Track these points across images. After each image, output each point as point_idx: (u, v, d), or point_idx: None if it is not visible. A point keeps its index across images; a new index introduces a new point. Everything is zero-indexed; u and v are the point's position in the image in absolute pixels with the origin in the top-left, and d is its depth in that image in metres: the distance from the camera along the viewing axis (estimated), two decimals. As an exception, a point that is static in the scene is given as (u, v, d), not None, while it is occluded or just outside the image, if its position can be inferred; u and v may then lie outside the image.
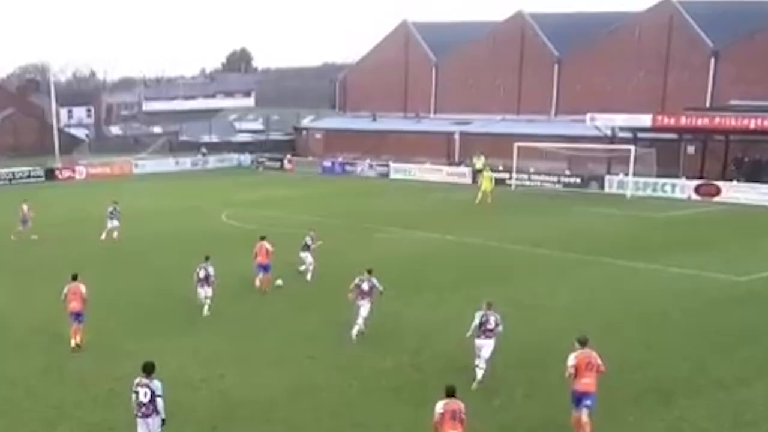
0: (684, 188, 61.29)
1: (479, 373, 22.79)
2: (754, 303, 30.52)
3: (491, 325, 22.82)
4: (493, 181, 59.88)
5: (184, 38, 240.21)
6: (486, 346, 22.87)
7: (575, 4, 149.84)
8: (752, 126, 60.16)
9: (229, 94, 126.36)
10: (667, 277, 35.02)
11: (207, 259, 30.78)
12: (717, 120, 62.44)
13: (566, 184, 66.55)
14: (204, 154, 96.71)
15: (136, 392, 17.55)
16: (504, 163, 70.81)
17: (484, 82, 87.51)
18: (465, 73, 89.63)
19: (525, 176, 68.43)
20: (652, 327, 27.55)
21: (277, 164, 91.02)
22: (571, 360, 19.86)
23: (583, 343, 20.20)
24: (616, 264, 37.33)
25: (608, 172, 67.13)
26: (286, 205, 56.79)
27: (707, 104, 70.94)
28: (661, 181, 62.99)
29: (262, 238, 33.49)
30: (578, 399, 19.76)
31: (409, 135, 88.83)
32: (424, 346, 25.36)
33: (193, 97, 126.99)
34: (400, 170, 79.85)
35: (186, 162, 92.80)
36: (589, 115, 68.20)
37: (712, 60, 73.25)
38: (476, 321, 23.03)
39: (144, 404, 17.46)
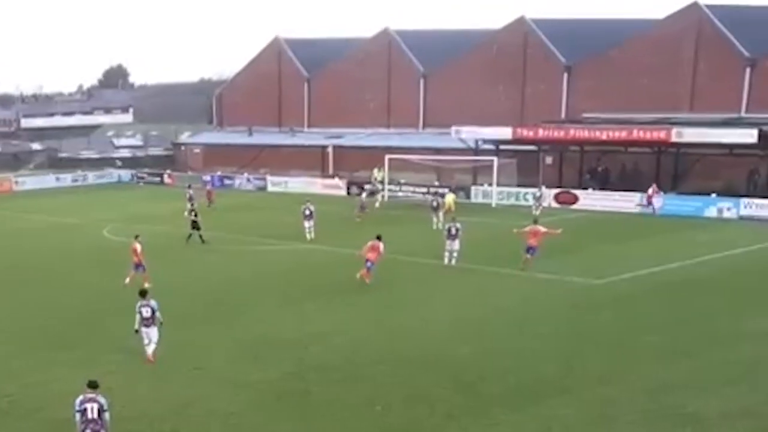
0: (544, 197, 62.45)
1: (446, 260, 38.79)
2: (611, 305, 31.52)
3: (453, 231, 38.77)
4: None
5: (61, 55, 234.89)
6: (452, 244, 38.65)
7: (437, 22, 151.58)
8: (604, 137, 62.12)
9: (107, 110, 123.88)
10: (533, 282, 35.87)
11: (308, 201, 48.55)
12: (572, 132, 64.38)
13: (435, 195, 67.31)
14: (120, 166, 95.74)
15: (140, 312, 24.56)
16: (371, 175, 71.67)
17: (354, 97, 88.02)
18: (336, 88, 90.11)
19: (396, 188, 69.01)
20: (521, 331, 28.20)
21: (157, 179, 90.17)
22: (525, 229, 38.30)
23: (536, 221, 39.75)
24: (485, 271, 38.25)
25: (474, 183, 68.47)
26: (167, 220, 56.30)
27: (562, 117, 73.03)
28: (523, 190, 64.26)
29: (136, 237, 36.47)
30: (527, 249, 37.67)
31: (285, 149, 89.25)
32: (307, 356, 25.53)
33: (71, 114, 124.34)
34: (276, 183, 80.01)
35: (66, 178, 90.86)
36: (454, 128, 69.41)
37: (566, 75, 75.37)
38: (444, 232, 39.89)
39: (147, 318, 24.51)
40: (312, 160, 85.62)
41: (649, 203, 57.40)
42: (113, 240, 50.06)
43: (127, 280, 34.90)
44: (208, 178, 79.13)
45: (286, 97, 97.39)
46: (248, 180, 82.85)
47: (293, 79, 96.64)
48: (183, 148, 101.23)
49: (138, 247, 35.53)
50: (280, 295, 33.93)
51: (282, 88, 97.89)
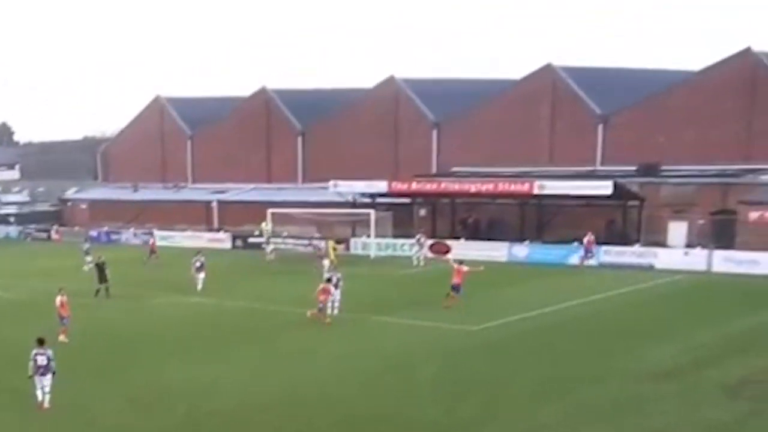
0: (424, 243, 61.73)
1: (329, 309, 38.06)
2: (487, 350, 32.23)
3: (334, 281, 39.12)
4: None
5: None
6: (333, 293, 38.46)
7: (312, 81, 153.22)
8: (473, 190, 63.58)
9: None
10: (412, 329, 36.39)
11: (199, 253, 50.37)
12: (443, 185, 65.84)
13: (316, 247, 66.47)
14: (12, 222, 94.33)
15: (35, 359, 24.68)
16: (259, 228, 71.95)
17: (235, 153, 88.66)
18: (218, 145, 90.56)
19: (279, 240, 68.86)
20: (403, 376, 28.57)
21: (45, 235, 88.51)
22: (455, 268, 41.34)
23: (461, 263, 41.88)
24: (366, 319, 38.65)
25: (353, 235, 69.21)
26: (55, 275, 54.89)
27: (434, 171, 74.72)
28: (400, 241, 65.07)
29: (60, 290, 35.66)
30: (453, 287, 40.66)
31: (170, 204, 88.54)
32: (198, 405, 25.46)
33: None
34: (163, 238, 78.84)
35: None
36: (332, 183, 70.01)
37: (435, 131, 77.28)
38: (325, 279, 39.70)
39: (42, 366, 24.61)
40: (197, 215, 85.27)
41: (588, 252, 57.07)
42: (1, 297, 48.95)
43: (62, 336, 33.90)
44: (149, 234, 75.66)
45: (170, 154, 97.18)
46: (135, 235, 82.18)
47: (176, 137, 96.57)
48: (69, 204, 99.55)
49: (59, 300, 35.01)
50: (172, 347, 33.84)
51: (165, 145, 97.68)
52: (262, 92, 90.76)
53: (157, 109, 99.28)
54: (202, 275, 48.62)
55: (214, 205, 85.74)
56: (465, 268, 41.44)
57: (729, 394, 25.63)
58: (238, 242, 74.94)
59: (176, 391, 27.07)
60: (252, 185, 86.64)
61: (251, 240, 72.96)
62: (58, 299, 35.12)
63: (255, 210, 74.43)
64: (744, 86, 61.63)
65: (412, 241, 61.46)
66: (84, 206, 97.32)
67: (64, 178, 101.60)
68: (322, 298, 37.60)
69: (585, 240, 56.89)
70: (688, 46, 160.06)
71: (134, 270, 58.13)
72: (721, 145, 60.84)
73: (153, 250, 64.11)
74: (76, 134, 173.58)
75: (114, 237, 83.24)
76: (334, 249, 57.60)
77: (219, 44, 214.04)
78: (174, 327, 38.80)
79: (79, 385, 27.64)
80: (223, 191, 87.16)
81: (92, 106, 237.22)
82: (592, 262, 56.60)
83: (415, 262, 58.68)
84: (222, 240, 76.32)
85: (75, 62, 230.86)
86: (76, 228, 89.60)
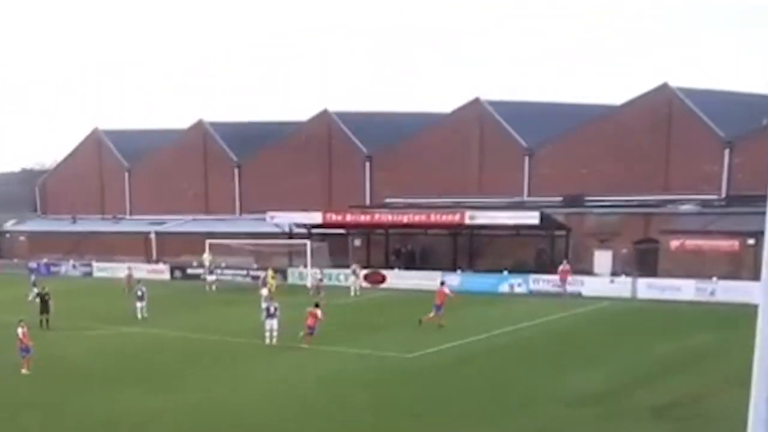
0: (359, 273, 61.79)
1: (267, 339, 38.85)
2: (422, 376, 32.33)
3: (272, 310, 39.44)
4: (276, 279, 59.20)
5: None
6: (271, 323, 39.02)
7: (246, 114, 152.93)
8: (405, 221, 64.12)
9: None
10: (349, 357, 36.38)
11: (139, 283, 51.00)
12: (377, 216, 66.17)
13: (254, 277, 65.73)
14: None
15: None
16: (198, 259, 71.72)
17: (174, 185, 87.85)
18: (156, 177, 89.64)
19: (219, 271, 68.15)
20: (339, 403, 28.47)
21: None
22: (437, 289, 43.94)
23: (443, 283, 44.90)
24: (306, 348, 38.14)
25: (290, 265, 69.06)
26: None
27: (367, 202, 75.12)
28: (336, 271, 65.10)
29: (20, 321, 34.85)
30: (435, 307, 42.24)
31: (109, 235, 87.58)
32: None
33: None
34: (102, 269, 78.27)
35: None
36: (268, 214, 70.05)
37: (367, 164, 77.67)
38: (263, 311, 40.09)
39: None
40: (136, 246, 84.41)
41: (564, 281, 56.71)
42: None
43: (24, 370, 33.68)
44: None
45: (108, 186, 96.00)
46: (74, 267, 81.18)
47: (113, 169, 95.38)
48: (8, 236, 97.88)
49: (20, 331, 34.28)
50: (110, 379, 33.08)
51: (103, 177, 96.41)
52: (199, 125, 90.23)
53: (95, 141, 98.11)
54: (143, 304, 48.96)
55: (153, 236, 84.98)
56: (446, 291, 43.97)
57: (657, 416, 26.03)
58: (177, 273, 74.32)
59: (119, 422, 26.53)
60: (190, 216, 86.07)
61: (190, 271, 72.55)
62: (20, 330, 34.45)
63: (193, 241, 74.32)
64: (661, 120, 63.19)
65: (348, 271, 61.61)
66: (23, 238, 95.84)
67: (2, 210, 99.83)
68: (309, 322, 38.40)
69: (560, 269, 57.17)
70: (610, 81, 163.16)
71: (76, 301, 57.29)
72: (642, 177, 62.25)
73: (130, 284, 61.34)
74: (13, 167, 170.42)
75: (54, 269, 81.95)
76: (273, 278, 57.62)
77: (156, 76, 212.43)
78: (116, 358, 38.11)
79: (21, 416, 27.19)
80: (162, 222, 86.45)
81: (30, 139, 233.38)
82: (521, 289, 57.43)
83: (352, 292, 58.87)
84: (161, 271, 75.49)
85: (11, 94, 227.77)
86: (15, 260, 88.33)
